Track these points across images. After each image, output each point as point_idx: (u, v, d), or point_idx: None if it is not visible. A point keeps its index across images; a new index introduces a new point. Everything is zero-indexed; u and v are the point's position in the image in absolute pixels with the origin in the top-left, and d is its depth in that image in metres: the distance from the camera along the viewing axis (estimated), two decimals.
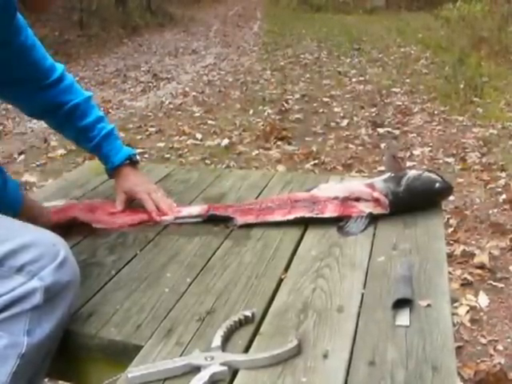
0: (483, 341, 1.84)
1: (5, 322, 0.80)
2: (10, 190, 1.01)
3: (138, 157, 1.33)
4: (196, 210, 1.25)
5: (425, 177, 1.23)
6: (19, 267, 0.81)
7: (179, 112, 4.98)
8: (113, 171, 1.31)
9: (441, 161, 3.51)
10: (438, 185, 1.22)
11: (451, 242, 2.42)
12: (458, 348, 1.79)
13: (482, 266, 2.25)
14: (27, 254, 0.82)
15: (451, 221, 2.63)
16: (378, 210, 1.19)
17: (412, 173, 1.23)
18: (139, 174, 1.32)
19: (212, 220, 1.23)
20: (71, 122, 1.26)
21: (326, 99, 5.25)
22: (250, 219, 1.21)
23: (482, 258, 2.29)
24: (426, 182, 1.22)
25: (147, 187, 1.28)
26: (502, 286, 2.14)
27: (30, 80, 1.18)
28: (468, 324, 1.92)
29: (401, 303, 0.88)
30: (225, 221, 1.22)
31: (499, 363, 1.72)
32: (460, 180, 3.15)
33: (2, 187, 0.97)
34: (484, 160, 3.46)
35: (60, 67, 1.25)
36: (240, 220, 1.21)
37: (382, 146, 3.83)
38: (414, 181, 1.21)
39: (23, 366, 0.80)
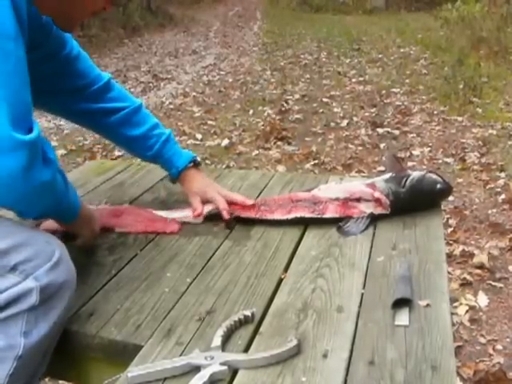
0: (482, 340, 1.84)
1: (1, 324, 0.79)
2: (71, 192, 1.00)
3: (199, 159, 1.32)
4: (207, 208, 1.25)
5: (426, 177, 1.23)
6: (13, 266, 0.81)
7: (179, 112, 4.98)
8: (178, 175, 1.28)
9: (440, 161, 3.51)
10: (438, 185, 1.22)
11: (450, 242, 2.42)
12: (458, 348, 1.79)
13: (481, 266, 2.25)
14: (21, 254, 0.81)
15: (450, 221, 2.63)
16: (378, 211, 1.19)
17: (413, 173, 1.23)
18: (204, 175, 1.31)
19: (212, 218, 1.23)
20: (125, 130, 1.25)
21: (325, 99, 5.25)
22: (250, 214, 1.21)
23: (481, 257, 2.29)
24: (427, 183, 1.22)
25: (216, 187, 1.28)
26: (502, 285, 2.14)
27: (75, 90, 1.19)
28: (467, 324, 1.93)
29: (400, 303, 0.88)
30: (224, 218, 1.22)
31: (498, 363, 1.72)
32: (459, 180, 3.16)
33: (65, 188, 0.96)
34: (483, 160, 3.46)
35: (106, 76, 1.25)
36: (239, 214, 1.21)
37: (382, 146, 3.83)
38: (415, 181, 1.21)
39: (20, 368, 0.80)
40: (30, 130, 0.82)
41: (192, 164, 1.28)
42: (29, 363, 0.82)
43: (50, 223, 1.11)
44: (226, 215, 1.21)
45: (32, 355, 0.81)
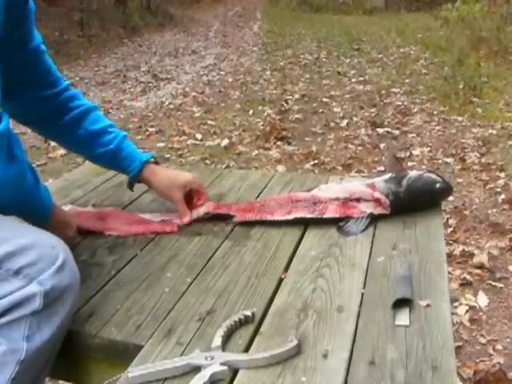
0: (482, 340, 1.84)
1: (3, 328, 0.79)
2: (42, 192, 0.99)
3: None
4: (202, 209, 1.25)
5: (426, 177, 1.23)
6: (16, 270, 0.80)
7: (179, 112, 4.98)
8: (141, 169, 1.23)
9: (440, 161, 3.51)
10: (438, 185, 1.22)
11: (450, 242, 2.42)
12: (458, 348, 1.79)
13: (481, 266, 2.25)
14: (25, 257, 0.81)
15: (450, 221, 2.63)
16: (378, 211, 1.19)
17: (413, 173, 1.23)
18: (173, 172, 1.28)
19: (212, 218, 1.23)
20: (81, 126, 1.22)
21: (325, 99, 5.25)
22: (250, 217, 1.22)
23: (481, 257, 2.29)
24: (427, 183, 1.22)
25: (189, 176, 1.25)
26: (502, 285, 2.14)
27: (39, 85, 1.18)
28: (467, 324, 1.93)
29: (400, 303, 0.88)
30: (224, 218, 1.23)
31: (498, 363, 1.72)
32: (459, 180, 3.16)
33: (34, 187, 0.95)
34: (483, 160, 3.46)
35: (66, 81, 1.25)
36: (239, 217, 1.21)
37: (382, 146, 3.83)
38: (415, 181, 1.21)
39: (22, 372, 0.79)
40: None
41: (153, 160, 1.26)
42: (31, 368, 0.81)
43: None
44: (186, 221, 1.20)
45: (34, 360, 0.81)
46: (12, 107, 1.13)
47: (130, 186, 1.29)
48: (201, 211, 1.24)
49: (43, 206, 1.00)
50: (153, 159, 1.26)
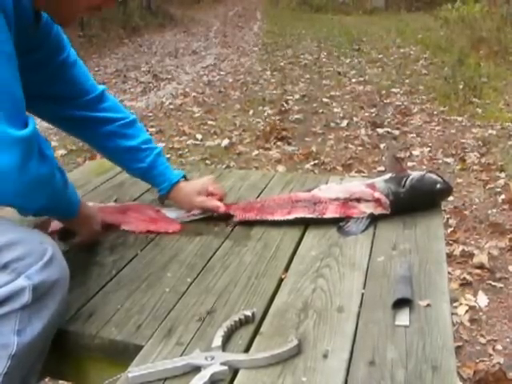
0: (482, 340, 1.84)
1: None
2: (70, 188, 1.01)
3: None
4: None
5: (426, 178, 1.23)
6: (4, 264, 0.80)
7: (179, 112, 4.98)
8: (170, 188, 1.27)
9: (440, 161, 3.51)
10: (438, 186, 1.23)
11: (450, 242, 2.42)
12: (458, 348, 1.79)
13: (481, 266, 2.25)
14: (13, 252, 0.81)
15: (450, 221, 2.63)
16: (378, 211, 1.19)
17: (414, 174, 1.24)
18: (193, 183, 1.31)
19: (213, 218, 1.23)
20: (118, 141, 1.24)
21: (325, 99, 5.25)
22: (250, 216, 1.22)
23: (481, 257, 2.29)
24: (427, 183, 1.22)
25: (200, 183, 1.27)
26: (501, 285, 2.14)
27: (70, 96, 1.18)
28: (467, 324, 1.93)
29: (400, 303, 0.88)
30: (225, 218, 1.23)
31: (498, 363, 1.72)
32: (459, 180, 3.16)
33: (64, 184, 0.96)
34: (483, 160, 3.46)
35: (101, 87, 1.24)
36: (240, 217, 1.21)
37: (382, 146, 3.83)
38: (415, 181, 1.21)
39: (15, 367, 0.79)
40: (25, 125, 0.83)
41: (183, 180, 1.28)
42: (23, 362, 0.81)
43: (57, 223, 1.11)
44: (222, 210, 1.23)
45: (26, 354, 0.81)
46: (38, 115, 1.15)
47: (161, 202, 1.32)
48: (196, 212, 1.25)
49: (72, 202, 1.03)
50: (183, 179, 1.28)
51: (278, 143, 3.96)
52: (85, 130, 1.25)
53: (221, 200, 1.25)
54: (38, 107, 1.15)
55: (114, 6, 1.07)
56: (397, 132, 4.16)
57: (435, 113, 4.64)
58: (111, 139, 1.24)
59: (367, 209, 1.19)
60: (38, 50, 1.07)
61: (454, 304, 1.99)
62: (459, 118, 4.42)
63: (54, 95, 1.16)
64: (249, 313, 0.87)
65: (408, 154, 3.65)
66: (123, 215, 1.25)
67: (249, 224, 1.21)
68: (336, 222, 1.18)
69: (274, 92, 5.65)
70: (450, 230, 2.54)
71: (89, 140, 1.29)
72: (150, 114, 4.94)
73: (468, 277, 2.18)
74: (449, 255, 2.28)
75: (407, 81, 5.96)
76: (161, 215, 1.26)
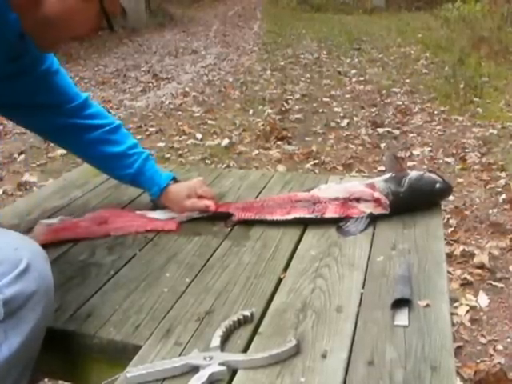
0: (483, 341, 1.84)
1: None
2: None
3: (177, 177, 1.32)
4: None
5: (426, 177, 1.23)
6: None
7: (179, 112, 4.97)
8: (160, 193, 1.26)
9: (441, 161, 3.51)
10: (438, 185, 1.22)
11: (451, 242, 2.42)
12: (458, 348, 1.79)
13: (481, 266, 2.25)
14: None
15: (451, 221, 2.63)
16: (378, 211, 1.19)
17: (413, 173, 1.23)
18: (182, 184, 1.29)
19: (211, 218, 1.23)
20: (103, 147, 1.22)
21: (325, 99, 5.25)
22: (249, 216, 1.21)
23: (481, 257, 2.28)
24: (427, 183, 1.22)
25: (187, 187, 1.26)
26: (502, 285, 2.14)
27: (53, 105, 1.17)
28: (468, 324, 1.92)
29: (400, 303, 0.88)
30: (224, 218, 1.23)
31: (499, 363, 1.72)
32: (460, 180, 3.15)
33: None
34: (484, 160, 3.45)
35: (84, 94, 1.23)
36: (239, 216, 1.21)
37: (382, 145, 3.83)
38: (415, 181, 1.21)
39: None
40: None
41: (172, 182, 1.27)
42: (3, 378, 0.75)
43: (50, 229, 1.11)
44: (212, 208, 1.23)
45: (5, 370, 0.74)
46: (23, 125, 1.13)
47: (156, 206, 1.30)
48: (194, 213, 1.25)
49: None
50: (172, 181, 1.27)
51: (278, 143, 3.96)
52: (70, 138, 1.23)
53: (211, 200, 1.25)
54: (23, 117, 1.14)
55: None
56: (397, 132, 4.15)
57: (436, 112, 4.63)
58: (97, 146, 1.22)
59: (367, 209, 1.19)
60: (19, 60, 1.04)
61: (455, 304, 1.99)
62: (460, 118, 4.41)
63: (37, 104, 1.14)
64: (247, 313, 0.87)
65: (408, 153, 3.65)
66: (105, 224, 1.21)
67: (248, 224, 1.21)
68: (335, 222, 1.17)
69: (274, 91, 5.64)
70: (450, 229, 2.54)
71: (75, 149, 1.27)
72: (150, 114, 4.94)
73: (469, 277, 2.18)
74: (449, 255, 2.28)
75: (408, 80, 5.95)
76: (148, 216, 1.25)
